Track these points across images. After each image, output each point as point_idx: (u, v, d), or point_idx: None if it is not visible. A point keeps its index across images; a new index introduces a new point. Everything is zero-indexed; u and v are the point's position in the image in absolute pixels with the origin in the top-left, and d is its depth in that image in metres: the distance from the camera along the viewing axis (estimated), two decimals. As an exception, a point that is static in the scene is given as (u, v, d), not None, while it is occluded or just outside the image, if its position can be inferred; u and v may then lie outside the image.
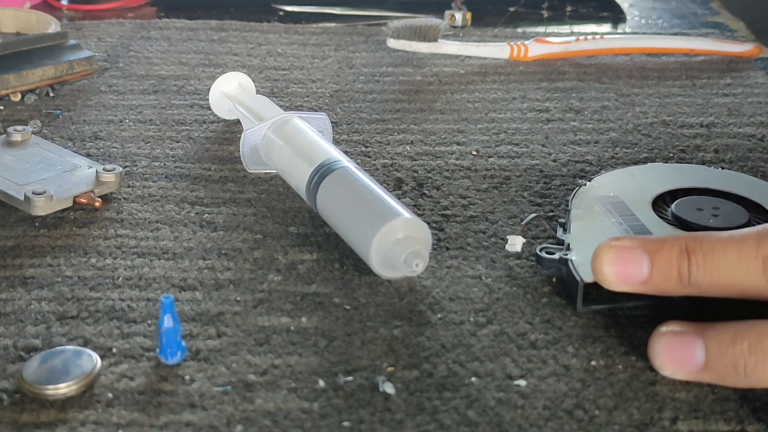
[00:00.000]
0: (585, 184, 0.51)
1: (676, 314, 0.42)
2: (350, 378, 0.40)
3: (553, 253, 0.45)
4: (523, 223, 0.50)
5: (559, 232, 0.47)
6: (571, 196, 0.50)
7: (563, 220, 0.48)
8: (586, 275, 0.43)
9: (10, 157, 0.56)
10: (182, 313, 0.44)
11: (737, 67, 0.76)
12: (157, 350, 0.41)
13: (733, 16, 0.91)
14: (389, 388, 0.39)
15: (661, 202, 0.49)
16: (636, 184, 0.51)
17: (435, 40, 0.74)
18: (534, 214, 0.50)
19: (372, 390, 0.39)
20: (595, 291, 0.43)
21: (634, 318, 0.44)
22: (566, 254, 0.44)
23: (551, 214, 0.53)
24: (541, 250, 0.46)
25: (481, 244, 0.50)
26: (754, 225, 0.46)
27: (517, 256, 0.48)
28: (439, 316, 0.44)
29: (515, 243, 0.49)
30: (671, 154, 0.60)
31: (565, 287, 0.45)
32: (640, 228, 0.46)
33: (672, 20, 0.90)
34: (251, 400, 0.39)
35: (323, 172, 0.50)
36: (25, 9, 0.82)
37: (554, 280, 0.46)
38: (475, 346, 0.42)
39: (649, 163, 0.56)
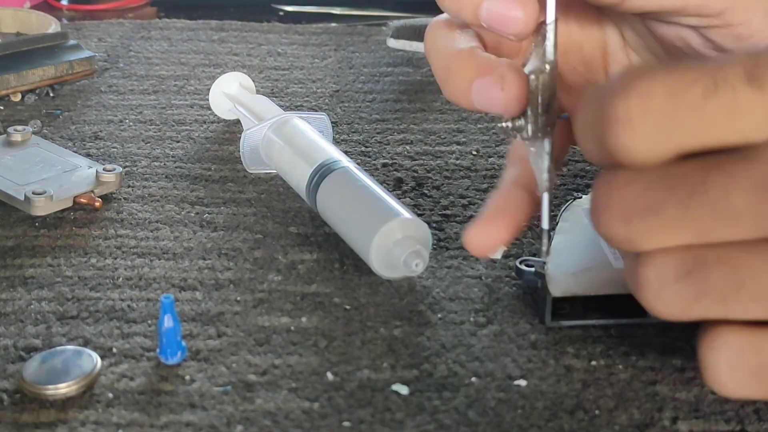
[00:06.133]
0: (580, 197, 0.51)
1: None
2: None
3: (532, 266, 0.44)
4: None
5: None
6: (563, 208, 0.50)
7: (551, 232, 0.48)
8: (556, 290, 0.43)
9: (10, 157, 0.56)
10: (182, 313, 0.44)
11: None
12: (157, 350, 0.41)
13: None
14: (403, 389, 0.39)
15: None
16: None
17: (435, 40, 0.73)
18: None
19: (372, 390, 0.39)
20: (567, 306, 0.43)
21: (634, 318, 0.44)
22: (542, 267, 0.44)
23: (551, 214, 0.52)
24: (520, 263, 0.45)
25: (481, 244, 0.50)
26: None
27: (517, 256, 0.48)
28: (439, 316, 0.44)
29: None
30: (671, 154, 0.60)
31: (539, 301, 0.44)
32: None
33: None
34: (251, 400, 0.39)
35: (323, 172, 0.50)
36: (25, 9, 0.83)
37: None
38: (475, 346, 0.42)
39: None
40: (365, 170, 0.51)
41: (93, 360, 0.40)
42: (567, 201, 0.51)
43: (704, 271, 0.31)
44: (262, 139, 0.55)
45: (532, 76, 0.37)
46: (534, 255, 0.46)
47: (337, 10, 0.90)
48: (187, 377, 0.40)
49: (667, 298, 0.31)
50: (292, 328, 0.43)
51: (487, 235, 0.40)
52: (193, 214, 0.52)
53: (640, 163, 0.31)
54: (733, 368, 0.31)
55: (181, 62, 0.75)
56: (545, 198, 0.39)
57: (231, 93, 0.63)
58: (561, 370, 0.40)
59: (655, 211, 0.31)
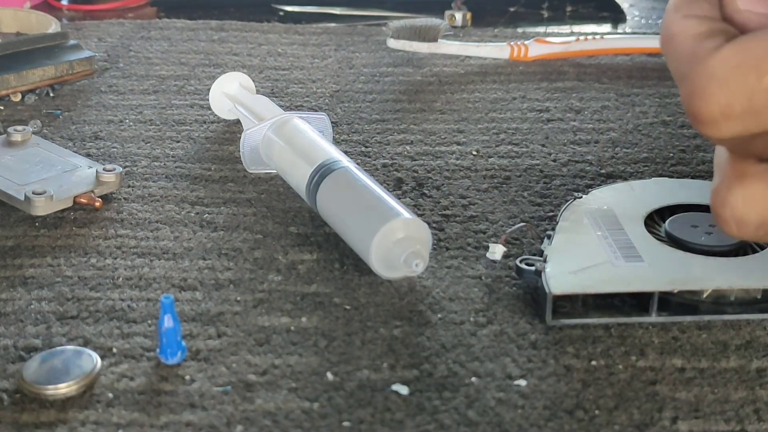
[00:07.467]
0: (580, 197, 0.51)
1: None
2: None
3: (532, 265, 0.45)
4: (508, 231, 0.50)
5: (545, 244, 0.47)
6: (563, 207, 0.50)
7: (551, 232, 0.48)
8: (556, 288, 0.43)
9: (10, 157, 0.56)
10: (182, 313, 0.44)
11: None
12: (157, 350, 0.41)
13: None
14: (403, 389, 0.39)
15: (657, 218, 0.49)
16: (634, 198, 0.50)
17: (435, 40, 0.74)
18: (521, 224, 0.50)
19: (372, 390, 0.39)
20: (567, 304, 0.43)
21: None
22: (542, 265, 0.44)
23: (551, 214, 0.53)
24: (521, 262, 0.45)
25: (481, 244, 0.50)
26: (750, 244, 0.46)
27: (517, 256, 0.48)
28: (439, 316, 0.44)
29: (495, 251, 0.48)
30: (671, 154, 0.60)
31: (539, 300, 0.45)
32: (626, 243, 0.46)
33: (672, 20, 0.90)
34: (251, 400, 0.39)
35: (323, 172, 0.50)
36: (25, 9, 0.82)
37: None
38: (475, 346, 0.42)
39: (653, 178, 0.55)
40: (365, 170, 0.51)
41: (93, 360, 0.40)
42: (567, 201, 0.51)
43: None
44: (262, 139, 0.55)
45: None
46: (534, 254, 0.46)
47: (337, 10, 0.90)
48: (187, 377, 0.40)
49: (744, 236, 0.37)
50: (292, 328, 0.43)
51: None
52: (193, 214, 0.52)
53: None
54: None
55: (181, 62, 0.75)
56: None
57: (231, 93, 0.63)
58: (561, 370, 0.40)
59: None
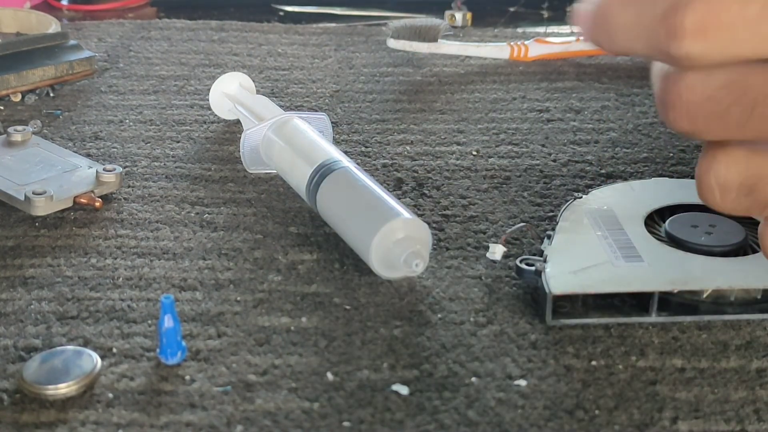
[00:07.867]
0: (580, 197, 0.51)
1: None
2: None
3: (532, 265, 0.44)
4: (508, 231, 0.50)
5: (545, 244, 0.47)
6: (563, 207, 0.50)
7: (551, 232, 0.48)
8: (556, 288, 0.43)
9: (10, 157, 0.56)
10: (182, 313, 0.44)
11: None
12: (157, 350, 0.41)
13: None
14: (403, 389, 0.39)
15: (657, 218, 0.49)
16: (634, 198, 0.50)
17: (435, 40, 0.74)
18: (521, 224, 0.50)
19: (372, 390, 0.39)
20: (567, 304, 0.43)
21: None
22: (542, 265, 0.44)
23: (551, 214, 0.53)
24: (521, 262, 0.45)
25: (481, 245, 0.50)
26: (750, 244, 0.46)
27: (517, 256, 0.48)
28: (439, 316, 0.44)
29: (495, 251, 0.48)
30: (671, 154, 0.60)
31: (539, 300, 0.44)
32: (626, 243, 0.46)
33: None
34: (251, 400, 0.39)
35: (323, 172, 0.50)
36: (25, 9, 0.83)
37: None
38: (475, 346, 0.42)
39: (653, 178, 0.55)
40: (365, 170, 0.51)
41: (93, 360, 0.40)
42: (567, 201, 0.51)
43: (763, 188, 0.36)
44: (262, 139, 0.55)
45: None
46: (534, 254, 0.46)
47: (337, 10, 0.90)
48: (187, 377, 0.40)
49: (726, 205, 0.37)
50: (292, 328, 0.43)
51: None
52: (193, 214, 0.53)
53: (702, 67, 0.34)
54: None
55: (181, 62, 0.75)
56: None
57: (231, 93, 0.63)
58: (561, 370, 0.40)
59: (719, 117, 0.35)
